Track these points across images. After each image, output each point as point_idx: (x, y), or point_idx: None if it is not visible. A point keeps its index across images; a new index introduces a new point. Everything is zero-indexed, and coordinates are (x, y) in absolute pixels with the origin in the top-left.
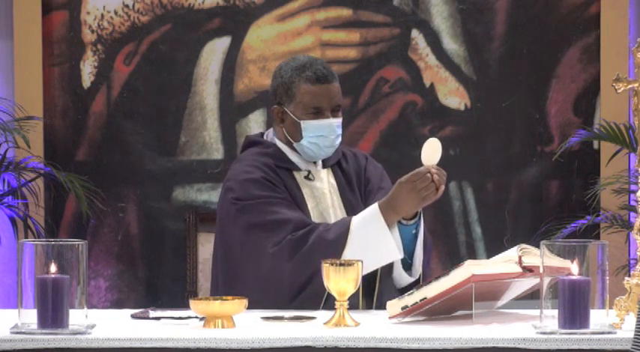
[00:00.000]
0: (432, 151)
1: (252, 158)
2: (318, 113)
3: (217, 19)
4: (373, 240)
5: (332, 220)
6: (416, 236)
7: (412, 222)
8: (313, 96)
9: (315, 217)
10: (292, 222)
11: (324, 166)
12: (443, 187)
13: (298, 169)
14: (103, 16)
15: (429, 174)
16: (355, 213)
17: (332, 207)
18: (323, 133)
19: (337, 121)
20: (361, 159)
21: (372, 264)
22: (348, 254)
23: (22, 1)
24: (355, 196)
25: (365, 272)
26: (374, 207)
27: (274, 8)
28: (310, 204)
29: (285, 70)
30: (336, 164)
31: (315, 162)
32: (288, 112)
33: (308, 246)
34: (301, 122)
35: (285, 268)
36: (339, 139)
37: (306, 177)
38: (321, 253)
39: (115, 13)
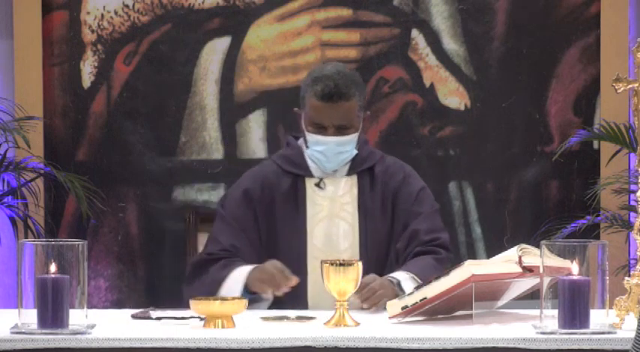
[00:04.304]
0: None
1: (267, 162)
2: (320, 128)
3: (217, 19)
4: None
5: (337, 229)
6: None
7: None
8: (316, 112)
9: (313, 224)
10: (219, 245)
11: (351, 171)
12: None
13: (311, 176)
14: (103, 16)
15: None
16: (372, 223)
17: (339, 216)
18: (322, 149)
19: (339, 140)
20: (397, 174)
21: None
22: (222, 293)
23: (22, 1)
24: (376, 205)
25: None
26: (244, 271)
27: (274, 8)
28: (311, 212)
29: (307, 77)
30: (367, 169)
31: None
32: (302, 118)
33: (206, 274)
34: (306, 133)
35: (187, 285)
36: (346, 155)
37: (317, 185)
38: (207, 285)
39: (115, 13)
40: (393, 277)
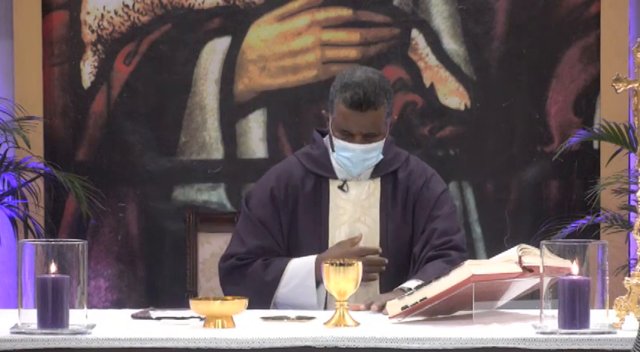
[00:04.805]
0: None
1: (292, 159)
2: (348, 135)
3: (217, 19)
4: (300, 289)
5: (357, 232)
6: None
7: None
8: (344, 119)
9: (335, 227)
10: (246, 247)
11: (375, 174)
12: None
13: (335, 178)
14: (103, 16)
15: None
16: (394, 228)
17: (361, 220)
18: (349, 156)
19: (366, 147)
20: (419, 178)
21: (300, 306)
22: (280, 294)
23: (22, 1)
24: (398, 211)
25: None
26: (310, 260)
27: (274, 8)
28: (333, 214)
29: (336, 82)
30: (390, 173)
31: None
32: (329, 122)
33: (245, 280)
34: (333, 137)
35: (223, 287)
36: (372, 161)
37: (340, 188)
38: (254, 289)
39: (115, 13)
40: (404, 287)
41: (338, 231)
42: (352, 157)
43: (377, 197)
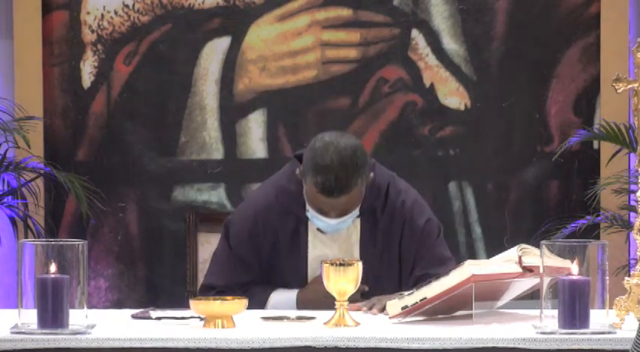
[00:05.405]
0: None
1: (270, 195)
2: (320, 211)
3: (217, 19)
4: None
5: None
6: None
7: None
8: (316, 200)
9: (314, 266)
10: (225, 281)
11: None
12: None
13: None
14: (103, 16)
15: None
16: (375, 268)
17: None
18: (322, 225)
19: (340, 221)
20: (399, 214)
21: None
22: None
23: (22, 1)
24: (379, 249)
25: None
26: (292, 296)
27: (274, 8)
28: (312, 254)
29: (308, 155)
30: (368, 212)
31: None
32: (303, 185)
33: None
34: (306, 205)
35: None
36: (347, 225)
37: (319, 229)
38: None
39: (115, 13)
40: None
41: (318, 272)
42: (326, 227)
43: (357, 237)
